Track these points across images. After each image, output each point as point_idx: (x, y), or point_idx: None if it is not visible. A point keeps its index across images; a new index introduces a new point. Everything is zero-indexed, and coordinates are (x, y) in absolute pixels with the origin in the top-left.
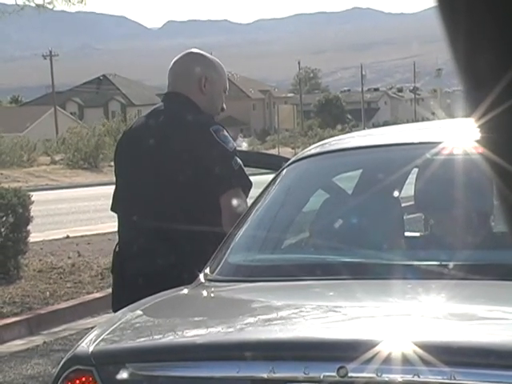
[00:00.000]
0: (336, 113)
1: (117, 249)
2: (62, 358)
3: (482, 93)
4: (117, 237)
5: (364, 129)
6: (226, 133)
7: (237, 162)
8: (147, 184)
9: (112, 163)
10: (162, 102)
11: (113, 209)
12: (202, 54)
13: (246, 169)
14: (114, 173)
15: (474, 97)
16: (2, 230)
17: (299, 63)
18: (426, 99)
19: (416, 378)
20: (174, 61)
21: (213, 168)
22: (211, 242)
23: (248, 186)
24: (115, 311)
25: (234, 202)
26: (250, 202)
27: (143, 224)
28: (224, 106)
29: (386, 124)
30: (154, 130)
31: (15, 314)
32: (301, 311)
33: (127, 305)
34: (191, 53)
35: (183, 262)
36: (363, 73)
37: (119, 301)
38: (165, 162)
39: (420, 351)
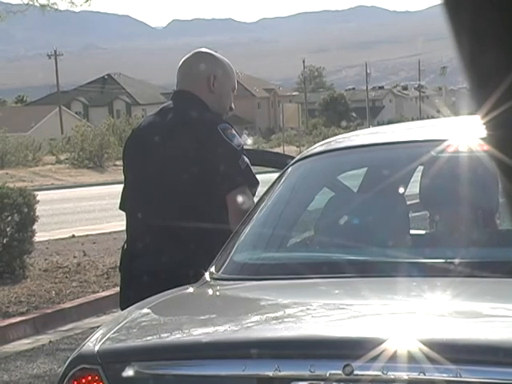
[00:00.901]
0: (341, 111)
1: (125, 246)
2: (68, 357)
3: (487, 90)
4: (123, 235)
5: (369, 127)
6: (233, 131)
7: (244, 160)
8: (155, 182)
9: (117, 162)
10: (171, 101)
11: (121, 207)
12: (211, 54)
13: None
14: (122, 171)
15: (480, 94)
16: (8, 229)
17: (304, 61)
18: (431, 97)
19: (422, 376)
20: (183, 60)
21: (220, 166)
22: (218, 240)
23: (255, 184)
24: (123, 309)
25: (241, 199)
26: (255, 200)
27: (151, 222)
28: (232, 105)
29: (390, 122)
30: (162, 128)
31: (21, 314)
32: (306, 309)
33: (135, 303)
34: (200, 52)
35: (190, 260)
36: (368, 71)
37: (127, 299)
38: (173, 160)
39: (426, 349)
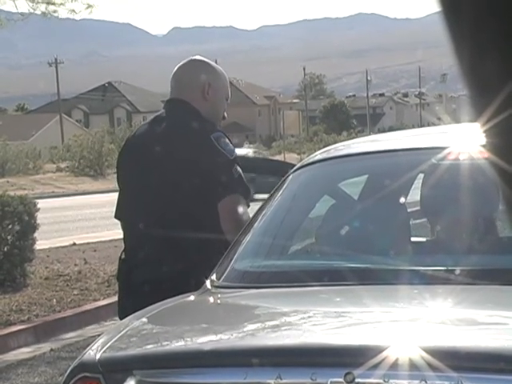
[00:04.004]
0: (341, 118)
1: (122, 256)
2: (69, 366)
3: (487, 98)
4: (123, 244)
5: (369, 134)
6: (227, 140)
7: (237, 169)
8: (152, 191)
9: None
10: (164, 109)
11: (117, 216)
12: (205, 61)
13: (252, 174)
14: (116, 180)
15: (479, 102)
16: (9, 237)
17: (304, 69)
18: (432, 104)
19: None
20: (176, 67)
21: (214, 175)
22: (217, 249)
23: (247, 193)
24: (122, 319)
25: (233, 207)
26: (255, 208)
27: (149, 231)
28: (225, 114)
29: (391, 129)
30: (156, 137)
31: (22, 322)
32: (307, 317)
33: (134, 312)
34: (194, 60)
35: (189, 269)
36: (368, 78)
37: (125, 308)
38: (168, 169)
39: (427, 357)
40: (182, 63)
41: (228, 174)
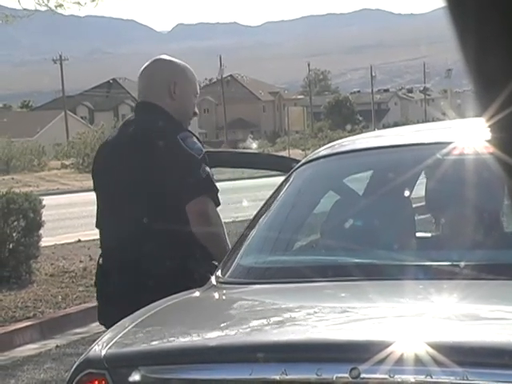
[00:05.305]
0: (346, 114)
1: (100, 261)
2: (75, 362)
3: (492, 93)
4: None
5: (374, 130)
6: (194, 139)
7: (205, 169)
8: (127, 197)
9: None
10: (134, 113)
11: (98, 225)
12: (169, 60)
13: (256, 171)
14: (93, 188)
15: (484, 97)
16: (14, 234)
17: (309, 65)
18: (437, 99)
19: (428, 379)
20: (141, 69)
21: (181, 176)
22: (197, 247)
23: (215, 193)
24: (108, 326)
25: (201, 209)
26: (259, 204)
27: (130, 233)
28: (196, 110)
29: (396, 125)
30: (126, 143)
31: (27, 319)
32: (313, 313)
33: (119, 317)
34: (158, 59)
35: (185, 266)
36: (373, 74)
37: (105, 313)
38: (140, 174)
39: (432, 352)
40: (146, 65)
41: (196, 174)
